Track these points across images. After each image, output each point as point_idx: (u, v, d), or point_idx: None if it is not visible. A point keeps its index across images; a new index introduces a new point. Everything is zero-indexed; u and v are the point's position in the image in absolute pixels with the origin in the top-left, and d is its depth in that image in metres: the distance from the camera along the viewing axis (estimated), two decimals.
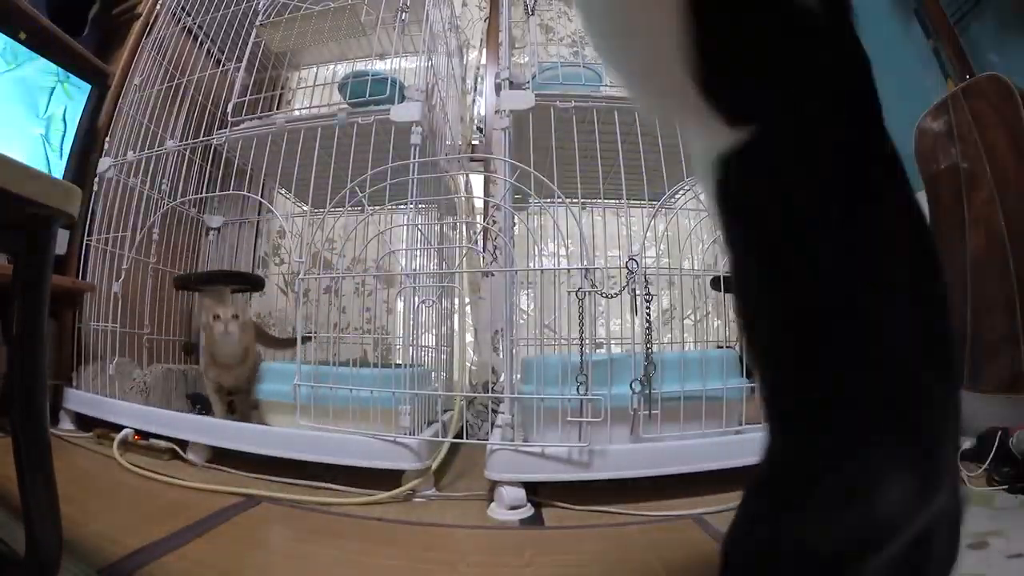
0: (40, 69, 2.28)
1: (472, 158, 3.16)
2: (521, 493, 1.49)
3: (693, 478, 1.43)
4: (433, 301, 1.95)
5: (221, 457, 1.81)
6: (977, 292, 1.80)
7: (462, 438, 2.12)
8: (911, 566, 0.51)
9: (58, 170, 2.36)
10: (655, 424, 1.55)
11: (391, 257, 2.09)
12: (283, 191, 2.85)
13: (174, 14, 2.74)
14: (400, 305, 2.28)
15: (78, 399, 2.19)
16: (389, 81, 2.06)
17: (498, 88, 1.92)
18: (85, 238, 2.39)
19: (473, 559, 1.16)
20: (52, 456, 0.84)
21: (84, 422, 2.15)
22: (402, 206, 1.85)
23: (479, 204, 2.94)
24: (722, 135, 0.54)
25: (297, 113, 2.64)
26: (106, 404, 2.09)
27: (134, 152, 2.45)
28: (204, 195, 2.82)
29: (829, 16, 0.53)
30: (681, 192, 2.04)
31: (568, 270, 1.78)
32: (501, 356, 1.81)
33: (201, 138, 2.44)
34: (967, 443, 1.72)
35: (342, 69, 2.86)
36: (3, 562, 0.93)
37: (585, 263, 1.62)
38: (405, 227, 1.84)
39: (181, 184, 2.61)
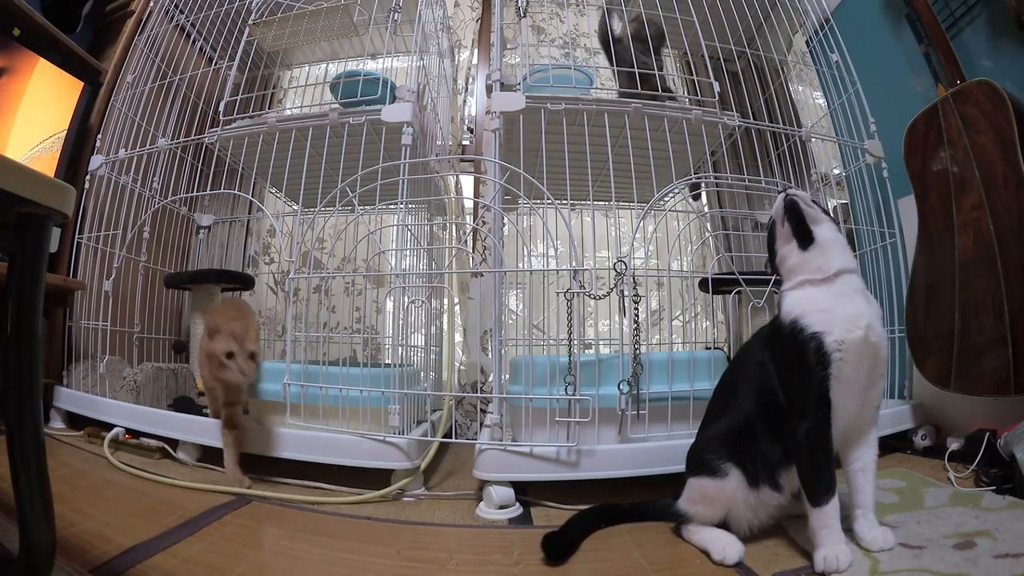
0: None
1: (462, 159, 3.16)
2: (510, 492, 1.49)
3: (680, 478, 1.43)
4: (422, 301, 1.95)
5: (212, 456, 1.81)
6: (965, 294, 1.81)
7: (451, 438, 2.13)
8: None
9: None
10: (642, 424, 1.56)
11: (381, 257, 2.09)
12: (274, 190, 2.84)
13: (167, 11, 2.74)
14: (390, 305, 2.27)
15: (69, 397, 2.19)
16: (381, 81, 2.06)
17: (489, 89, 1.92)
18: (76, 236, 2.38)
19: (462, 558, 1.17)
20: (46, 456, 0.84)
21: (75, 421, 2.14)
22: (392, 206, 1.85)
23: (469, 205, 2.94)
24: None
25: (288, 112, 2.65)
26: (97, 403, 2.09)
27: (126, 150, 2.44)
28: (195, 193, 2.82)
29: None
30: (670, 194, 2.04)
31: (557, 271, 1.78)
32: (490, 356, 1.82)
33: (193, 136, 2.44)
34: (955, 444, 1.73)
35: (334, 68, 2.86)
36: None
37: (574, 264, 1.63)
38: (395, 227, 1.84)
39: (172, 182, 2.60)
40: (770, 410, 1.15)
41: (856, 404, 1.10)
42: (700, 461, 1.21)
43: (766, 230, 1.28)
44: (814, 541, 1.05)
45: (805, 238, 1.17)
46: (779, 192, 1.22)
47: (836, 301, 1.11)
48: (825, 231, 1.18)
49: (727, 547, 1.10)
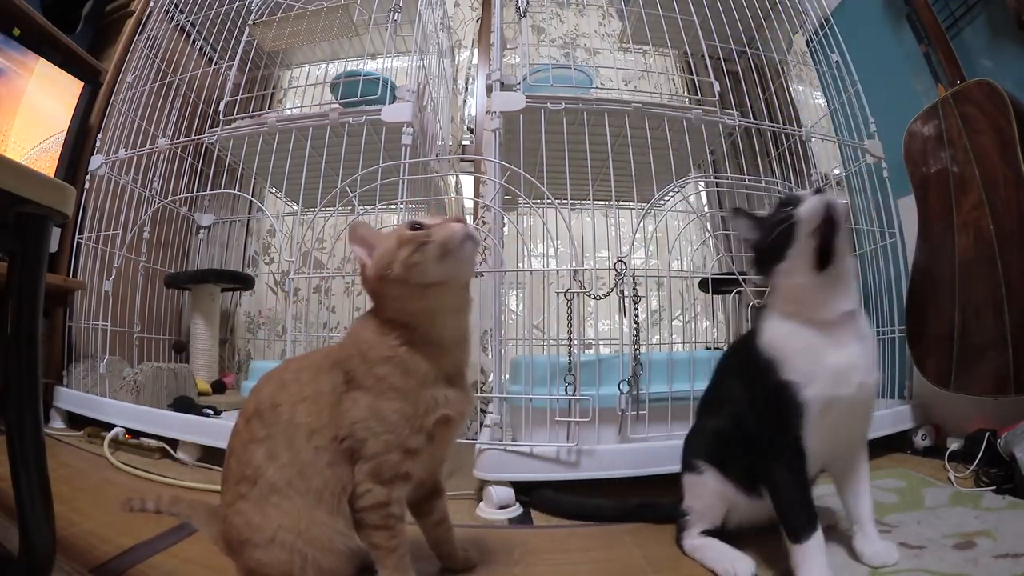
0: None
1: (462, 159, 3.16)
2: (510, 492, 1.49)
3: (680, 478, 1.43)
4: None
5: (212, 456, 1.81)
6: (965, 295, 1.81)
7: None
8: None
9: None
10: (643, 424, 1.56)
11: None
12: (274, 190, 2.85)
13: (167, 11, 2.74)
14: None
15: (69, 397, 2.19)
16: (381, 81, 2.06)
17: (489, 89, 1.92)
18: (76, 236, 2.38)
19: None
20: (46, 456, 0.84)
21: (75, 421, 2.14)
22: (392, 206, 1.85)
23: (469, 205, 2.94)
24: None
25: (288, 112, 2.65)
26: (97, 403, 2.09)
27: (126, 150, 2.44)
28: (195, 193, 2.82)
29: None
30: (670, 194, 2.04)
31: (557, 271, 1.78)
32: (490, 356, 1.82)
33: (193, 136, 2.44)
34: (955, 444, 1.73)
35: (334, 68, 2.86)
36: None
37: (574, 264, 1.63)
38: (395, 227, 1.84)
39: (172, 182, 2.61)
40: (743, 435, 1.05)
41: (838, 446, 1.04)
42: (686, 461, 1.19)
43: (769, 223, 1.03)
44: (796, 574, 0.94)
45: (825, 259, 0.96)
46: (813, 192, 0.99)
47: (828, 349, 0.97)
48: (847, 256, 1.00)
49: (736, 564, 1.02)
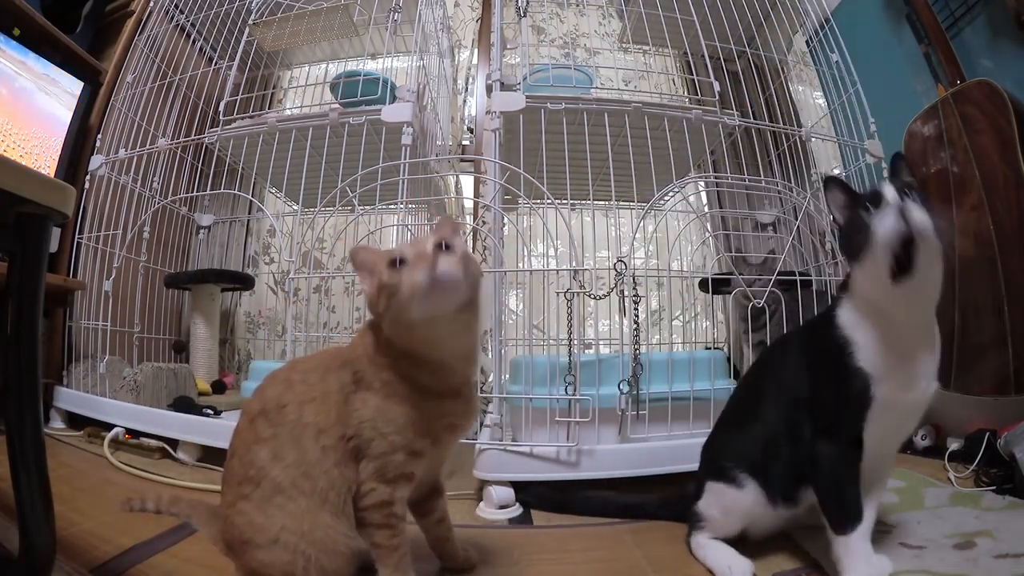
0: None
1: (462, 159, 3.16)
2: (510, 492, 1.49)
3: (680, 478, 1.43)
4: None
5: (212, 456, 1.81)
6: (965, 295, 1.81)
7: None
8: None
9: None
10: (642, 424, 1.56)
11: None
12: (274, 190, 2.85)
13: (167, 11, 2.74)
14: None
15: (69, 397, 2.19)
16: (381, 81, 2.06)
17: (489, 89, 1.92)
18: (76, 236, 2.38)
19: None
20: (46, 456, 0.84)
21: (75, 421, 2.14)
22: (392, 206, 1.85)
23: (469, 205, 2.94)
24: None
25: (288, 112, 2.65)
26: (97, 403, 2.09)
27: (126, 150, 2.44)
28: (195, 193, 2.82)
29: None
30: (670, 194, 2.04)
31: (557, 271, 1.78)
32: (490, 356, 1.81)
33: (193, 136, 2.44)
34: (955, 444, 1.73)
35: (334, 68, 2.86)
36: None
37: (574, 264, 1.63)
38: (395, 227, 1.84)
39: (172, 182, 2.61)
40: (797, 427, 1.02)
41: (881, 449, 1.00)
42: (718, 466, 1.12)
43: (852, 218, 0.98)
44: (839, 567, 0.94)
45: (902, 268, 0.91)
46: (888, 191, 0.92)
47: (902, 349, 0.95)
48: (930, 267, 0.92)
49: (734, 567, 1.02)
